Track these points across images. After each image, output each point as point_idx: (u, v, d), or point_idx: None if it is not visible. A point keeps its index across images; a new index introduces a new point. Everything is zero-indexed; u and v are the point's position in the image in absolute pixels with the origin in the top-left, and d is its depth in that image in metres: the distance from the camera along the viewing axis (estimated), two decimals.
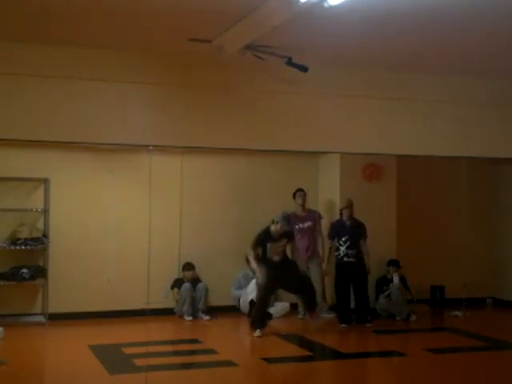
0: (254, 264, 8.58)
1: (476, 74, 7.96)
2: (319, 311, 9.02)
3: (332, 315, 9.40)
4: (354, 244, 9.13)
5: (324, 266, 9.54)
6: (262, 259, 8.54)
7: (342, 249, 9.14)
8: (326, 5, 5.12)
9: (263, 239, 8.51)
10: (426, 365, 7.20)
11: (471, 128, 8.23)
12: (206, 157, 9.66)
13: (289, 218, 8.97)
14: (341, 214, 9.40)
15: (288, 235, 8.74)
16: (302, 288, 8.72)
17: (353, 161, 9.65)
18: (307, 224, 9.45)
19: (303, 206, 9.55)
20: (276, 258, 8.52)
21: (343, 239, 9.16)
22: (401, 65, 7.63)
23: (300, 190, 9.57)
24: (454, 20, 5.87)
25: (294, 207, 9.49)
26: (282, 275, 8.48)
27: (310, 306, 8.82)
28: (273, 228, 8.49)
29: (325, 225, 9.67)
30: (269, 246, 8.48)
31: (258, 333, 8.26)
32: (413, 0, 5.36)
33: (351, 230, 9.21)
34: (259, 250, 8.51)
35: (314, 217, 9.57)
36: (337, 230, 9.34)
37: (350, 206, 9.28)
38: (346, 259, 9.11)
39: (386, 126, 7.94)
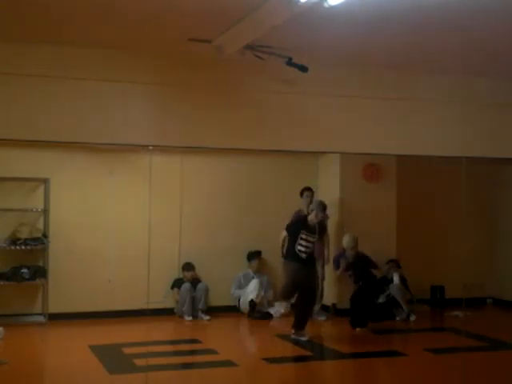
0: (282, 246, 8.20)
1: (476, 74, 7.96)
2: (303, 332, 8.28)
3: (324, 318, 9.38)
4: (359, 277, 9.06)
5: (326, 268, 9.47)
6: (289, 251, 8.15)
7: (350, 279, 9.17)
8: (325, 5, 5.12)
9: (299, 225, 8.16)
10: (425, 365, 7.20)
11: (471, 128, 8.22)
12: (205, 157, 9.65)
13: (324, 206, 8.28)
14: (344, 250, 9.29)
15: (321, 228, 8.32)
16: (306, 301, 8.25)
17: (353, 161, 9.64)
18: None
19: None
20: (303, 256, 8.03)
21: (348, 273, 9.19)
22: (401, 65, 7.63)
23: (307, 188, 9.40)
24: (453, 20, 5.87)
25: (301, 206, 9.25)
26: (303, 280, 8.05)
27: (300, 322, 8.19)
28: (309, 217, 8.18)
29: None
30: (303, 235, 8.03)
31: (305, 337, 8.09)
32: (413, 0, 5.37)
33: (354, 264, 9.14)
34: (288, 237, 8.10)
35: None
36: (340, 263, 9.30)
37: (355, 246, 9.13)
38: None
39: (386, 126, 7.93)
